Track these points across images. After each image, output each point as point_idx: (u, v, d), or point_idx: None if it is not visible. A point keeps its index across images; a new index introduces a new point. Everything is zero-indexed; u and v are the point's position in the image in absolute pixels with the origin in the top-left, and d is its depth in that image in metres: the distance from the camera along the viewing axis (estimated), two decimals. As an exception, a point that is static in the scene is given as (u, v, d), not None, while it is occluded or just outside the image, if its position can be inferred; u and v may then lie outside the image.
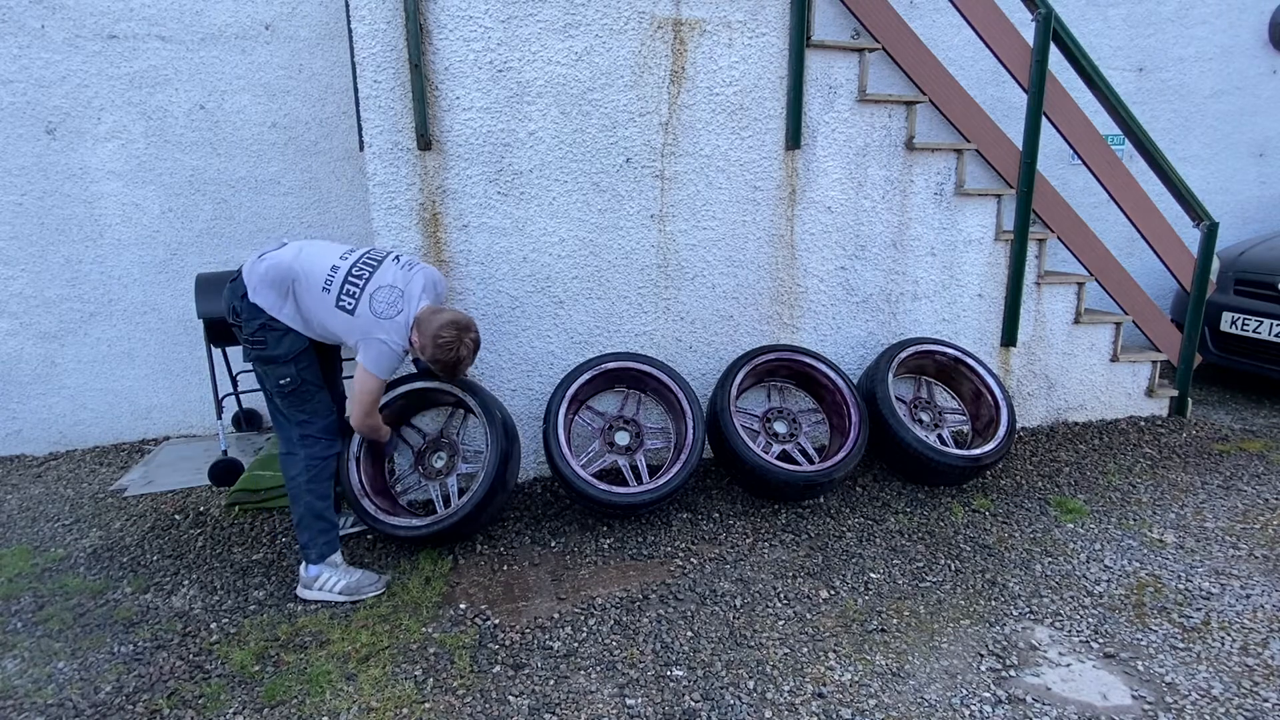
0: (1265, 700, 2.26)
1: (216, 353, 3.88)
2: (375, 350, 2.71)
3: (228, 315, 2.83)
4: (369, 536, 3.28)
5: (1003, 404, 3.73)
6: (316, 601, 2.84)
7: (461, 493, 3.27)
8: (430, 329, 2.71)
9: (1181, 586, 2.85)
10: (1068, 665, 2.44)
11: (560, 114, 3.43)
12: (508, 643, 2.58)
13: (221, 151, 4.34)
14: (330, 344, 2.92)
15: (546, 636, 2.61)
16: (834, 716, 2.22)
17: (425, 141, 3.27)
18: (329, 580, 2.84)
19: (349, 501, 3.08)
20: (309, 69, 4.35)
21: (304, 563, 2.87)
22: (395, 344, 2.72)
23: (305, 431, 2.84)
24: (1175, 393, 4.51)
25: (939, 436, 3.73)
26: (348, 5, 3.62)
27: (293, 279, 2.72)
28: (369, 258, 2.83)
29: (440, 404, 3.40)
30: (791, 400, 3.89)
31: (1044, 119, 3.95)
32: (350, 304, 2.70)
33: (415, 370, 3.25)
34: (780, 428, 3.64)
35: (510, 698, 2.32)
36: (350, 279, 2.74)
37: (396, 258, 2.88)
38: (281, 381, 2.77)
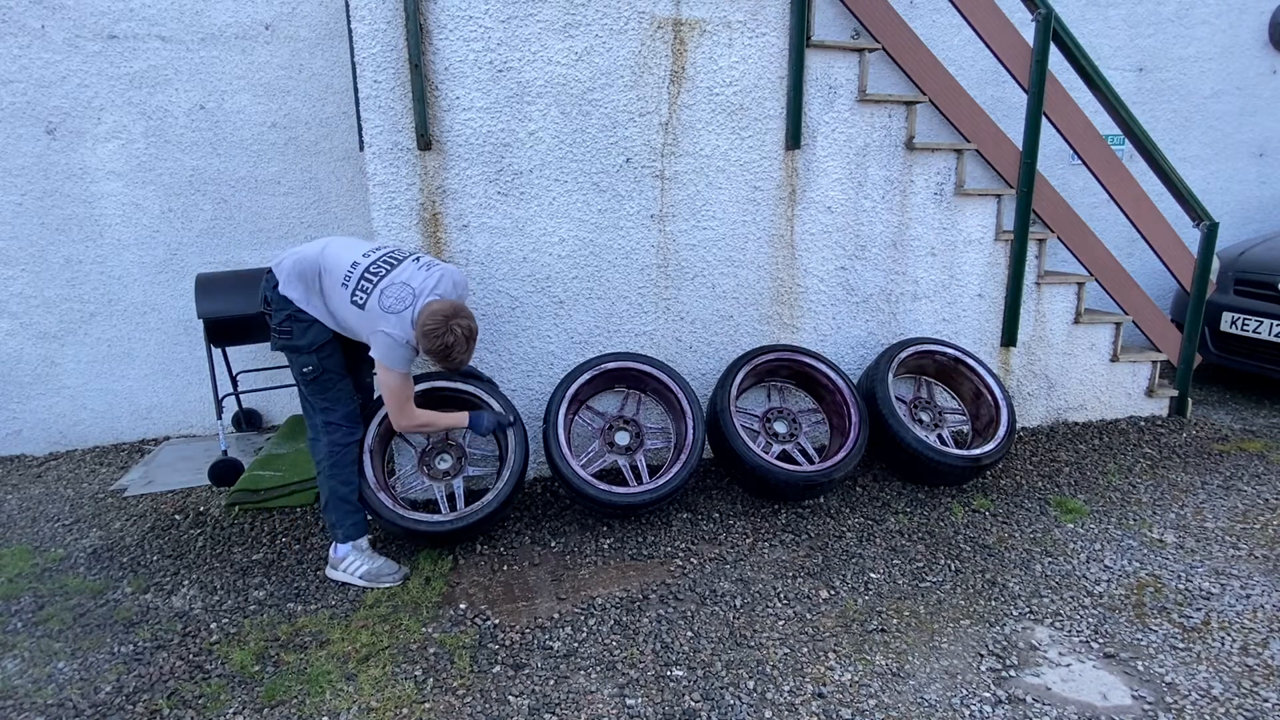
0: (1265, 700, 2.26)
1: (216, 353, 3.88)
2: (379, 342, 2.74)
3: (260, 304, 2.94)
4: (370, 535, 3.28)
5: (1003, 404, 3.73)
6: (340, 582, 2.95)
7: (469, 494, 3.28)
8: (420, 319, 2.73)
9: (1181, 586, 2.85)
10: (1068, 665, 2.44)
11: (560, 114, 3.43)
12: (508, 643, 2.58)
13: (221, 151, 4.34)
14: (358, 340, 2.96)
15: (546, 636, 2.61)
16: (834, 716, 2.22)
17: (425, 141, 3.27)
18: (353, 564, 2.93)
19: (363, 496, 3.03)
20: (309, 69, 4.35)
21: (333, 542, 2.97)
22: (398, 336, 2.73)
23: (328, 418, 2.93)
24: (1175, 393, 4.51)
25: (939, 436, 3.73)
26: (348, 5, 3.62)
27: (317, 273, 2.81)
28: (390, 256, 2.88)
29: (449, 406, 3.39)
30: (791, 400, 3.88)
31: (1044, 119, 3.95)
32: (362, 299, 2.76)
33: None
34: (780, 428, 3.64)
35: (510, 698, 2.32)
36: (367, 275, 2.79)
37: (417, 258, 2.92)
38: (305, 369, 2.86)
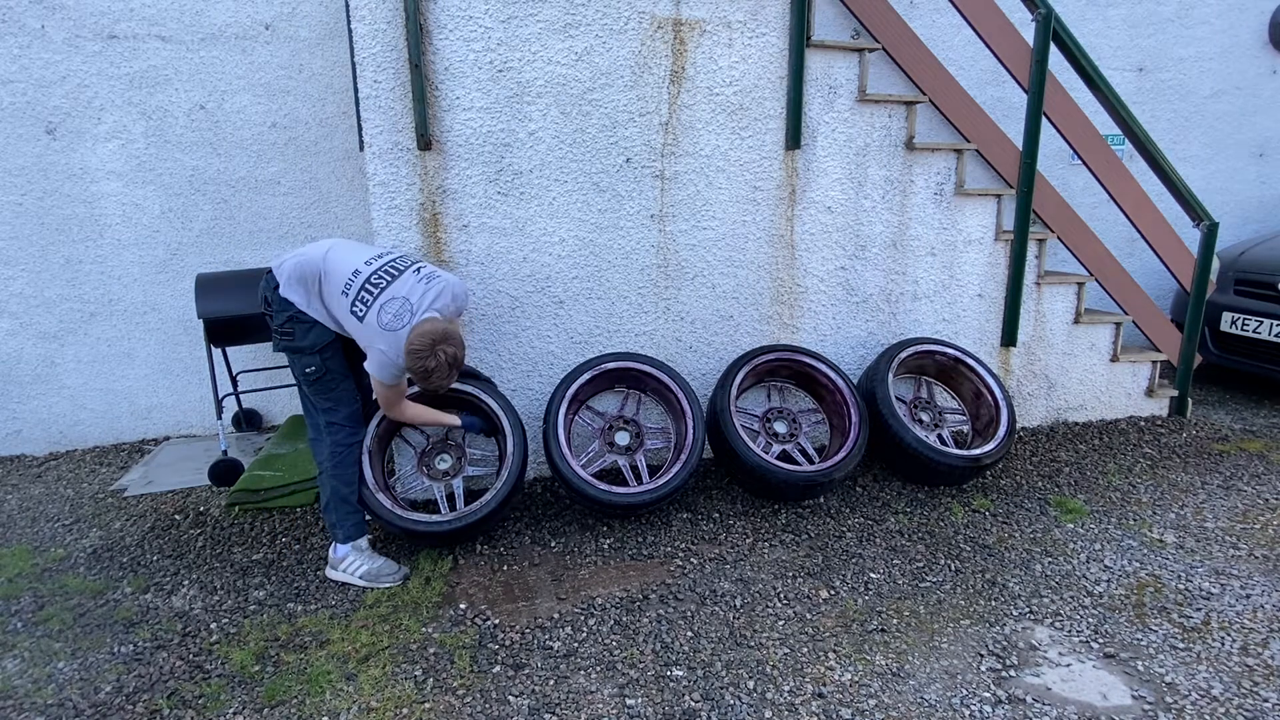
0: (1265, 700, 2.26)
1: (216, 353, 3.88)
2: (375, 359, 2.76)
3: (260, 304, 2.92)
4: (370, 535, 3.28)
5: (1003, 404, 3.73)
6: (340, 582, 2.96)
7: (469, 494, 3.28)
8: (409, 337, 2.70)
9: (1181, 586, 2.85)
10: (1068, 665, 2.44)
11: (560, 114, 3.43)
12: (508, 643, 2.58)
13: (221, 151, 4.34)
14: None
15: (546, 636, 2.61)
16: (834, 716, 2.22)
17: (425, 141, 3.27)
18: (353, 564, 2.94)
19: (362, 496, 3.04)
20: (309, 69, 4.35)
21: (333, 542, 2.98)
22: (392, 355, 2.74)
23: (331, 419, 2.94)
24: (1175, 393, 4.51)
25: (939, 436, 3.73)
26: (348, 5, 3.62)
27: (318, 277, 2.80)
28: (391, 266, 2.84)
29: (449, 406, 3.39)
30: (791, 400, 3.89)
31: (1044, 119, 3.95)
32: (361, 311, 2.75)
33: None
34: (780, 428, 3.64)
35: (510, 698, 2.32)
36: (367, 286, 2.78)
37: (418, 268, 2.88)
38: (307, 370, 2.86)
